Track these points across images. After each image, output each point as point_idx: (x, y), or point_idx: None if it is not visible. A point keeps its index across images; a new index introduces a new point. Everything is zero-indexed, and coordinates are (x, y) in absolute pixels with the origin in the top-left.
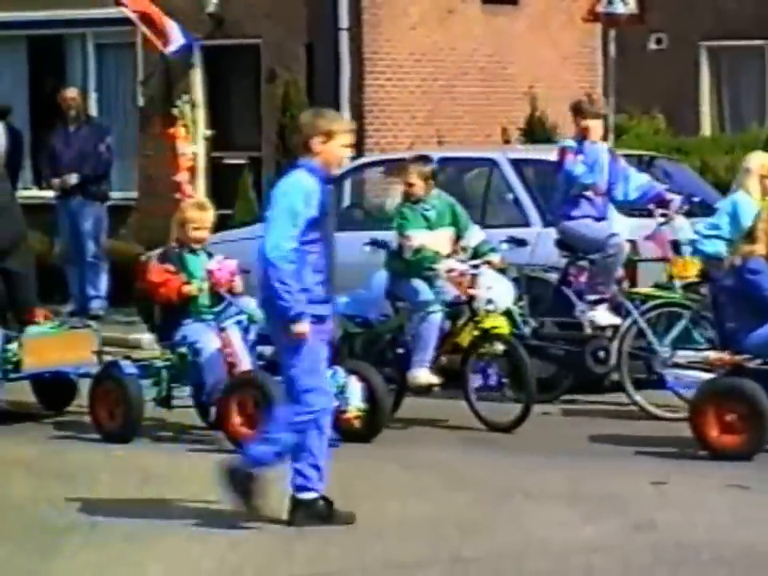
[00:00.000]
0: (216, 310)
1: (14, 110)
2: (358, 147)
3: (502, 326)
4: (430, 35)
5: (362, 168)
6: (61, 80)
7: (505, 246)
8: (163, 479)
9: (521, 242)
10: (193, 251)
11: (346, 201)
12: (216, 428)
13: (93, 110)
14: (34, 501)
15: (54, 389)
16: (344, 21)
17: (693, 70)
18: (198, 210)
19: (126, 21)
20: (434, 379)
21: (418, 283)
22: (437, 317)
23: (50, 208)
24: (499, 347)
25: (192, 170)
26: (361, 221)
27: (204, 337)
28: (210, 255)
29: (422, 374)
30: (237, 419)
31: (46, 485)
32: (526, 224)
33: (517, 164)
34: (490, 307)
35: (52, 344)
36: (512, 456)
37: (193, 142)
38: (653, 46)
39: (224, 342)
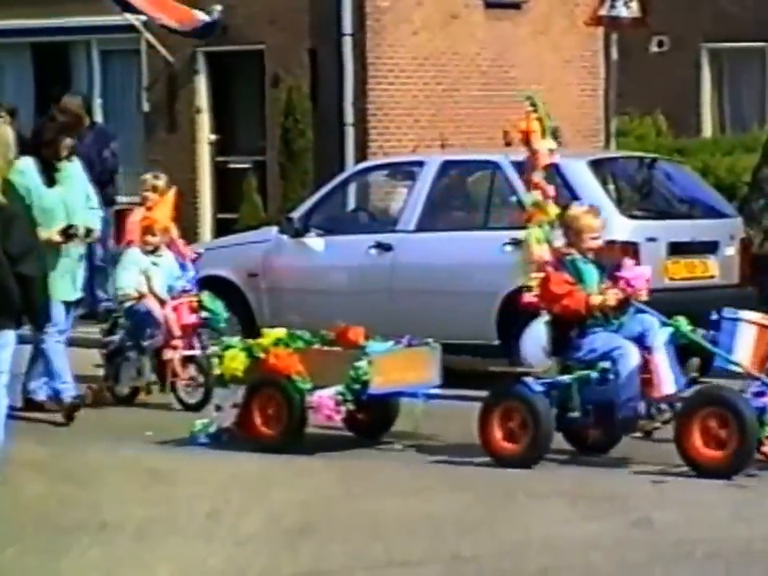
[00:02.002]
0: (621, 320)
1: (19, 117)
2: (362, 151)
3: None
4: (433, 40)
5: (366, 171)
6: (66, 87)
7: (509, 248)
8: (171, 479)
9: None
10: (586, 260)
11: (351, 204)
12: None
13: (98, 116)
14: (43, 500)
15: (378, 411)
16: (347, 26)
17: (694, 72)
18: (593, 217)
19: (130, 28)
20: None
21: None
22: None
23: None
24: None
25: (547, 169)
26: (365, 224)
27: (625, 349)
28: (598, 266)
29: None
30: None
31: (55, 485)
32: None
33: (520, 166)
34: None
35: (397, 363)
36: None
37: (550, 136)
38: (654, 48)
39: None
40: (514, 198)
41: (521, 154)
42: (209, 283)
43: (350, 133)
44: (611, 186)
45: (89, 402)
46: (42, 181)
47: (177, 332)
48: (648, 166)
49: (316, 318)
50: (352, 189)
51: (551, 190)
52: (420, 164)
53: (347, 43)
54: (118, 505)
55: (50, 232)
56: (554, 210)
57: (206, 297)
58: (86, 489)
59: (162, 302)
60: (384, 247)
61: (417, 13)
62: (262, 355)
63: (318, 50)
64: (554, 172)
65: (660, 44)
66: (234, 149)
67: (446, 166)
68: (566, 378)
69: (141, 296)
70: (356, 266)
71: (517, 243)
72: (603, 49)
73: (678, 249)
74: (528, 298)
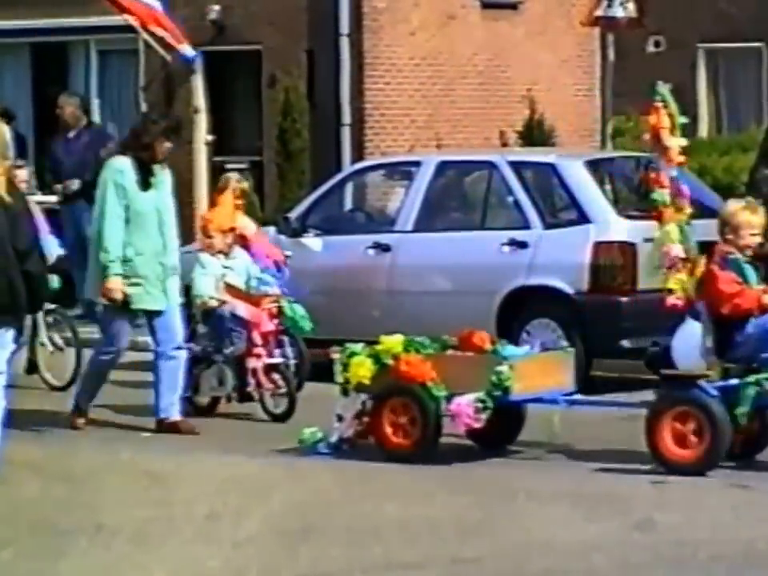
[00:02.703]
0: None
1: (17, 117)
2: (359, 151)
3: None
4: (430, 40)
5: (364, 171)
6: (64, 87)
7: (506, 248)
8: (169, 481)
9: (521, 245)
10: (745, 259)
11: (348, 204)
12: None
13: (96, 117)
14: (39, 502)
15: (506, 419)
16: (345, 27)
17: (690, 72)
18: (752, 213)
19: (128, 28)
20: None
21: None
22: None
23: (56, 213)
24: None
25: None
26: (363, 224)
27: None
28: (754, 265)
29: None
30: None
31: (51, 487)
32: (527, 226)
33: (516, 166)
34: None
35: (535, 368)
36: (513, 456)
37: (679, 134)
38: (651, 48)
39: None
40: (510, 199)
41: (517, 154)
42: None
43: (346, 133)
44: (608, 187)
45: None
46: (137, 183)
47: (258, 340)
48: (645, 166)
49: (312, 319)
50: (349, 189)
51: (685, 188)
52: (417, 164)
53: (344, 43)
54: (115, 507)
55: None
56: (688, 208)
57: (286, 303)
58: (83, 490)
59: (252, 302)
60: (382, 247)
61: (414, 13)
62: (390, 362)
63: (316, 50)
64: (551, 172)
65: (656, 44)
66: (231, 149)
67: (443, 166)
68: (735, 381)
69: (222, 302)
70: (354, 266)
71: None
72: (600, 49)
73: None
74: (672, 300)
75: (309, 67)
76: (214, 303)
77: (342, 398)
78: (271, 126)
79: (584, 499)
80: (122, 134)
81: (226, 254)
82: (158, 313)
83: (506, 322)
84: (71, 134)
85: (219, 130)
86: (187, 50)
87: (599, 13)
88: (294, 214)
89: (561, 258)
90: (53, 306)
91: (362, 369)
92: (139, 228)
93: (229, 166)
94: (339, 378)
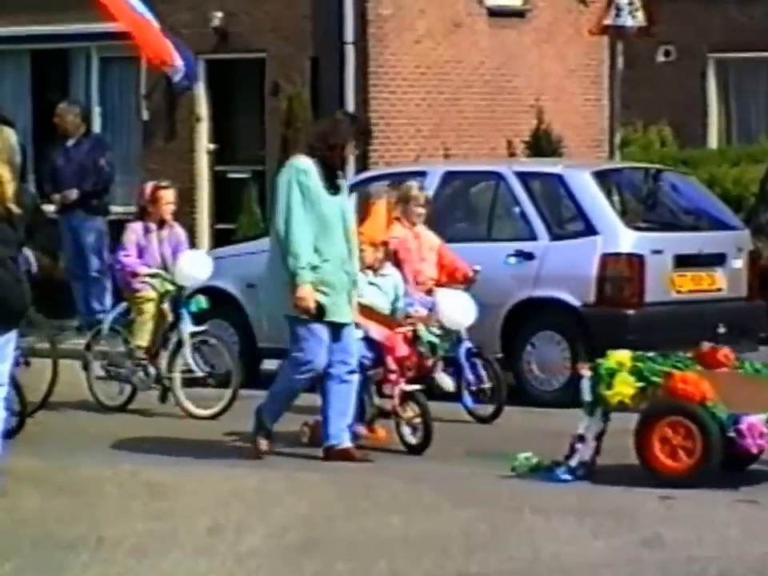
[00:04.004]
0: None
1: (17, 125)
2: (364, 161)
3: None
4: (436, 48)
5: (368, 182)
6: (64, 94)
7: (512, 259)
8: (170, 494)
9: (528, 256)
10: None
11: None
12: None
13: (96, 124)
14: (40, 515)
15: None
16: (349, 35)
17: (700, 82)
18: None
19: (130, 35)
20: None
21: None
22: None
23: (55, 223)
24: None
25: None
26: None
27: None
28: None
29: None
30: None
31: (52, 499)
32: (533, 237)
33: (523, 177)
34: None
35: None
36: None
37: None
38: (661, 58)
39: None
40: (517, 210)
41: (524, 165)
42: (206, 294)
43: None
44: (616, 198)
45: (306, 441)
46: (324, 186)
47: (392, 365)
48: (653, 177)
49: None
50: (353, 199)
51: None
52: (423, 174)
53: (349, 51)
54: (116, 519)
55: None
56: None
57: (422, 327)
58: (84, 503)
59: (390, 326)
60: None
61: (420, 21)
62: (656, 379)
63: (320, 58)
64: (558, 183)
65: (666, 54)
66: (234, 158)
67: (449, 176)
68: None
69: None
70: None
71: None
72: (608, 58)
73: (684, 261)
74: None
75: (312, 75)
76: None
77: (587, 418)
78: (274, 135)
79: (591, 514)
80: (120, 142)
81: (375, 270)
82: (341, 327)
83: (511, 334)
84: (70, 143)
85: (221, 139)
86: (177, 72)
87: (608, 21)
88: None
89: (567, 270)
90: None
91: (626, 386)
92: (326, 233)
93: (231, 175)
94: (588, 396)
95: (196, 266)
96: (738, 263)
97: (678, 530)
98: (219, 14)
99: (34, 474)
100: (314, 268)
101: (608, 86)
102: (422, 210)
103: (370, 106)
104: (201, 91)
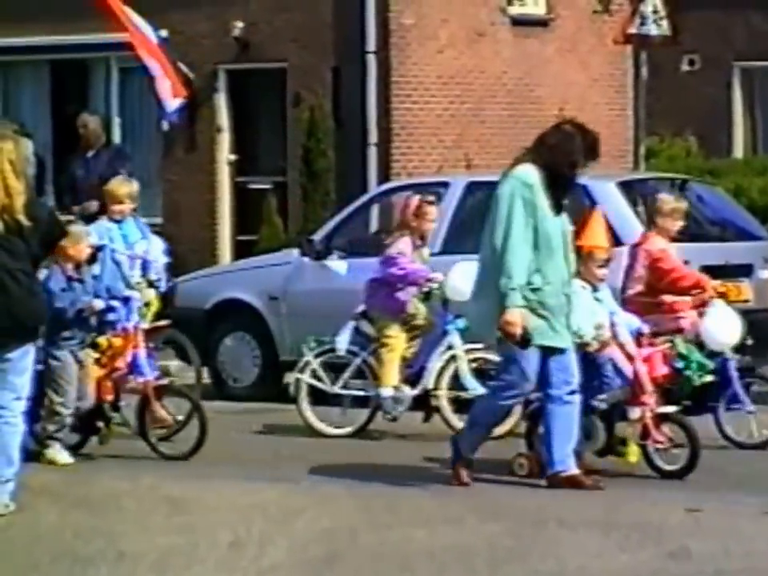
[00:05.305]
0: None
1: (35, 136)
2: (386, 171)
3: None
4: (459, 58)
5: (390, 192)
6: (84, 105)
7: None
8: (191, 508)
9: None
10: None
11: (374, 226)
12: None
13: (116, 135)
14: (59, 530)
15: None
16: (371, 44)
17: (725, 91)
18: None
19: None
20: None
21: None
22: None
23: None
24: None
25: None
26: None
27: None
28: None
29: None
30: None
31: (71, 513)
32: None
33: None
34: None
35: None
36: (543, 482)
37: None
38: (686, 67)
39: None
40: None
41: None
42: (228, 307)
43: (373, 153)
44: (641, 208)
45: (524, 473)
46: (549, 204)
47: (648, 387)
48: (679, 187)
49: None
50: (375, 210)
51: None
52: (445, 185)
53: (371, 61)
54: (136, 534)
55: None
56: None
57: (680, 342)
58: (104, 517)
59: (629, 356)
60: None
61: (442, 30)
62: None
63: (341, 68)
64: (583, 193)
65: (691, 63)
66: (255, 169)
67: (472, 187)
68: None
69: (602, 345)
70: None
71: None
72: (633, 68)
73: (710, 272)
74: None
75: (334, 85)
76: (594, 345)
77: None
78: (295, 146)
79: (616, 527)
80: (140, 154)
81: (599, 282)
82: (559, 351)
83: None
84: (90, 154)
85: (242, 150)
86: (172, 104)
87: (632, 30)
88: (318, 236)
89: None
90: None
91: None
92: (549, 254)
93: (252, 186)
94: None
95: (469, 280)
96: (765, 274)
97: (705, 542)
98: (240, 24)
99: (52, 488)
100: (535, 290)
101: (632, 95)
102: (680, 223)
103: (392, 116)
104: (222, 102)
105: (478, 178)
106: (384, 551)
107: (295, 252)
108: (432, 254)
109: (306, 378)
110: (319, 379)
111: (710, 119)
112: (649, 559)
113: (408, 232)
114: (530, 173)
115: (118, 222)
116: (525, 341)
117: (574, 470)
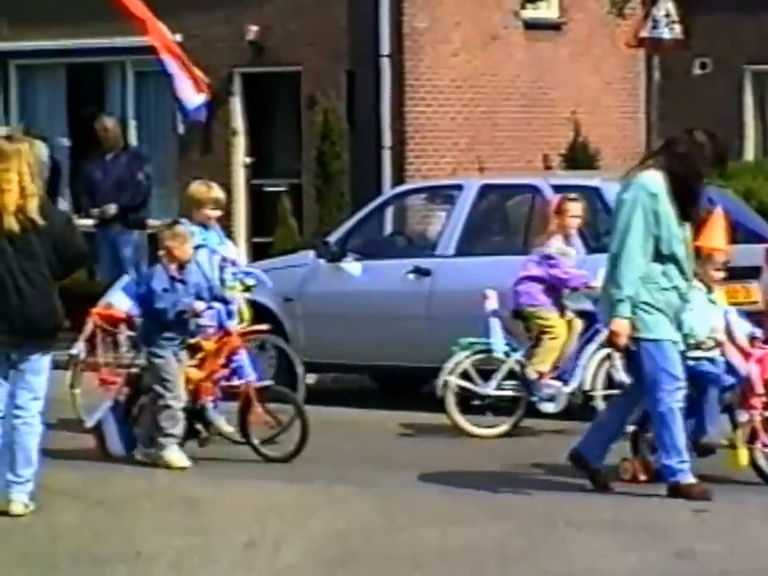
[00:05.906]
0: None
1: (51, 139)
2: (400, 174)
3: None
4: (472, 61)
5: (404, 195)
6: (100, 108)
7: None
8: (207, 508)
9: None
10: None
11: (388, 228)
12: None
13: (132, 138)
14: (78, 530)
15: None
16: (385, 47)
17: (736, 94)
18: None
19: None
20: None
21: None
22: None
23: (92, 236)
24: None
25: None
26: (403, 248)
27: None
28: None
29: None
30: None
31: (89, 514)
32: None
33: (559, 190)
34: None
35: None
36: (552, 483)
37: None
38: (697, 70)
39: None
40: None
41: (560, 178)
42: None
43: (387, 156)
44: None
45: (627, 478)
46: (675, 214)
47: (759, 389)
48: None
49: (352, 344)
50: (389, 212)
51: None
52: (459, 187)
53: (385, 64)
54: (153, 534)
55: None
56: None
57: None
58: (121, 517)
59: (745, 353)
60: (422, 272)
61: (456, 34)
62: None
63: (356, 71)
64: (595, 196)
65: (703, 66)
66: (270, 171)
67: (485, 189)
68: None
69: (718, 344)
70: (394, 291)
71: None
72: (645, 71)
73: None
74: None
75: (348, 89)
76: (709, 344)
77: None
78: (310, 149)
79: (624, 527)
80: (156, 156)
81: (715, 284)
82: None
83: None
84: (108, 156)
85: (258, 152)
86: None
87: (644, 34)
88: (333, 238)
89: None
90: None
91: None
92: (673, 260)
93: (267, 188)
94: None
95: None
96: None
97: (711, 543)
98: (255, 28)
99: (70, 488)
100: (663, 289)
101: (644, 98)
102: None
103: (406, 119)
104: (237, 105)
105: (491, 180)
106: (397, 551)
107: (311, 254)
108: (446, 257)
109: (455, 379)
110: (470, 380)
111: (721, 122)
112: (656, 559)
113: (556, 231)
114: (655, 180)
115: (204, 227)
116: (629, 351)
117: (689, 478)
